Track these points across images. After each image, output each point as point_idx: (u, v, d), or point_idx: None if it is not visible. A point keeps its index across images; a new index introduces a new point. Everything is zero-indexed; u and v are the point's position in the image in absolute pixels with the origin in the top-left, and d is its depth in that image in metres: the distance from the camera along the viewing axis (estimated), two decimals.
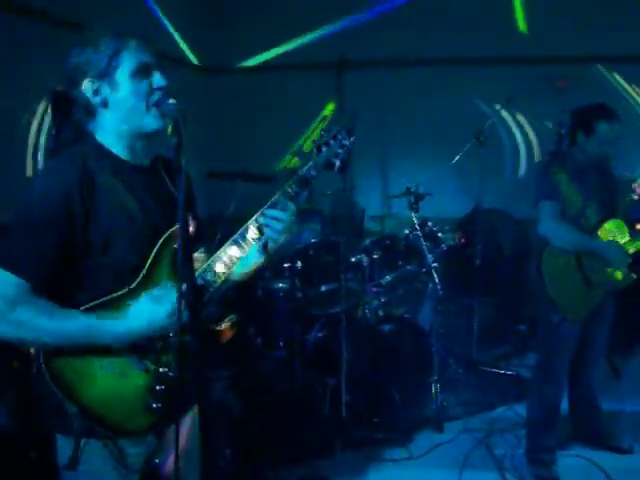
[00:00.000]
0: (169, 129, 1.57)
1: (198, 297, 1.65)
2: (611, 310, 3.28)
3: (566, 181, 3.02)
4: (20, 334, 1.52)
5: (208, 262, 1.73)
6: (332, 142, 1.85)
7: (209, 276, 1.72)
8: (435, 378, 3.81)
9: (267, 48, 6.20)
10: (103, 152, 1.65)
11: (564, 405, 3.30)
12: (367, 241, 4.26)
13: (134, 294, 1.60)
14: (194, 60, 6.13)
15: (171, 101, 1.60)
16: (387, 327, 3.95)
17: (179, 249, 1.49)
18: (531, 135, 5.37)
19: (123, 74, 1.59)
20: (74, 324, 1.53)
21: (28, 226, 1.52)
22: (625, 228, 3.13)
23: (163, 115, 1.62)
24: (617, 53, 5.38)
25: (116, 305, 1.58)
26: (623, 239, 3.11)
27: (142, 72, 1.60)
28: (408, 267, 4.15)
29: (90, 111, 1.64)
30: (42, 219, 1.51)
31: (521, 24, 5.61)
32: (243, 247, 1.74)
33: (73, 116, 1.66)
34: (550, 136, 4.81)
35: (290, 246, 3.81)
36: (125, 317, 1.57)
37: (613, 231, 3.10)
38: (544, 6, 5.54)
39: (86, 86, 1.60)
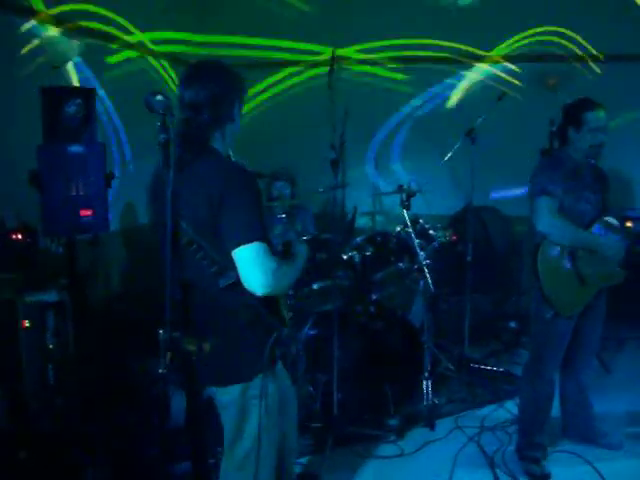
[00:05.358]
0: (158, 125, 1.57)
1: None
2: (603, 308, 3.29)
3: (562, 179, 3.03)
4: None
5: None
6: None
7: None
8: (426, 375, 3.81)
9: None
10: None
11: (555, 402, 3.31)
12: (358, 238, 4.24)
13: None
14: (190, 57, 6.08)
15: (159, 97, 1.59)
16: (379, 324, 3.95)
17: (168, 244, 1.49)
18: (522, 132, 5.37)
19: None
20: None
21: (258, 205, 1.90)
22: (617, 225, 3.13)
23: (151, 112, 1.61)
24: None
25: None
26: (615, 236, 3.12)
27: None
28: (400, 264, 4.14)
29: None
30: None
31: None
32: None
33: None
34: (542, 134, 4.81)
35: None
36: None
37: (606, 228, 3.11)
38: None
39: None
